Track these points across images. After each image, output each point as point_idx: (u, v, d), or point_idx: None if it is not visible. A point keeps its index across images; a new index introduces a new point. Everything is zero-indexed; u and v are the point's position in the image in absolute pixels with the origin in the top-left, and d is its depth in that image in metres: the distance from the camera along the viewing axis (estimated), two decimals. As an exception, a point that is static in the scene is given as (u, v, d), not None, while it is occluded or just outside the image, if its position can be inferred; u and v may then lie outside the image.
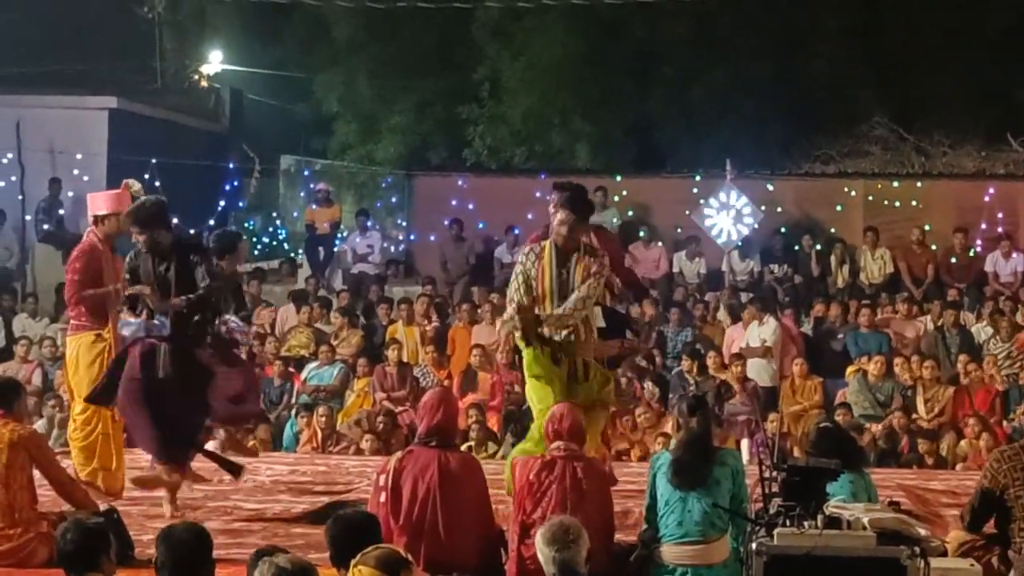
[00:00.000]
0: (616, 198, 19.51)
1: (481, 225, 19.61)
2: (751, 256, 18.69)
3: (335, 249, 20.03)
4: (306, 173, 22.85)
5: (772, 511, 6.43)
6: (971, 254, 18.46)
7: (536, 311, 9.05)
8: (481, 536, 7.66)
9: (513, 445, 11.10)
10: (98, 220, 10.05)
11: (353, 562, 5.48)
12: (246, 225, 21.21)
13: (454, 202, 19.89)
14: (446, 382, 14.85)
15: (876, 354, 15.13)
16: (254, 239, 21.70)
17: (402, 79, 22.61)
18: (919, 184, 19.72)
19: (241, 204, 22.15)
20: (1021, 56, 20.89)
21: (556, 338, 9.12)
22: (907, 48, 21.77)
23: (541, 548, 5.54)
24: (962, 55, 21.35)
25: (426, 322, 16.46)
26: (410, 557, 5.66)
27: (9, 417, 7.97)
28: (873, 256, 18.40)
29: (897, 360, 15.10)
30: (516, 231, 18.90)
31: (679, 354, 15.74)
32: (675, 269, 18.84)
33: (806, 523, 6.25)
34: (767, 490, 6.57)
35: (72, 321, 10.03)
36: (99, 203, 10.17)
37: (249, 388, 10.00)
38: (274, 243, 22.23)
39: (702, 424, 7.46)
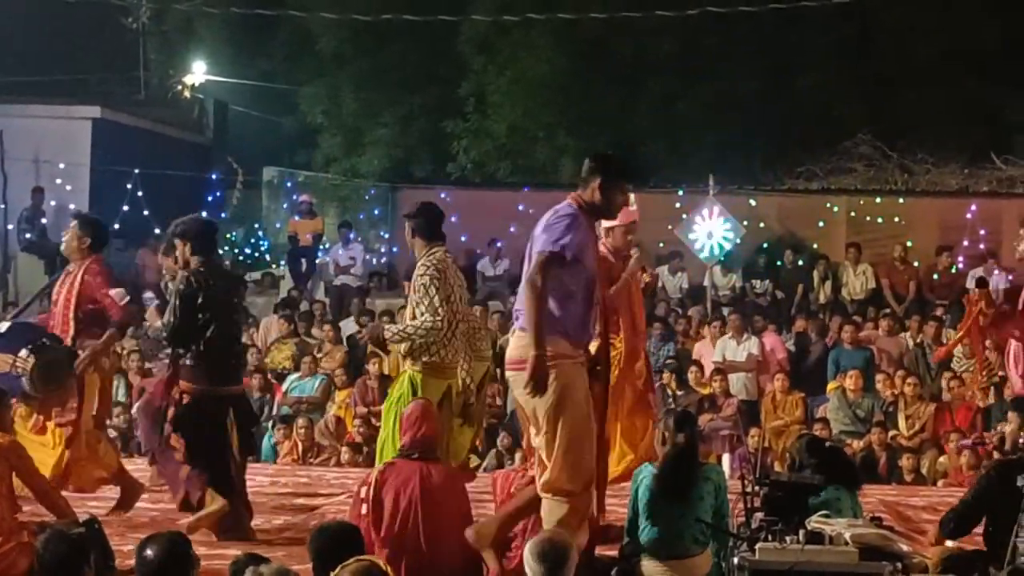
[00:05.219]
0: (599, 212, 19.49)
1: (463, 238, 19.58)
2: (733, 271, 18.71)
3: (317, 261, 20.00)
4: (289, 185, 22.82)
5: (754, 526, 6.43)
6: (953, 271, 18.51)
7: None
8: (463, 549, 7.62)
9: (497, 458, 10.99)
10: (607, 231, 9.14)
11: (333, 574, 5.46)
12: (228, 236, 21.17)
13: (437, 215, 19.82)
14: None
15: (857, 370, 15.11)
16: (236, 250, 21.66)
17: (387, 92, 22.64)
18: (902, 201, 19.80)
19: (223, 215, 22.12)
20: (1005, 75, 20.98)
21: None
22: (892, 66, 21.86)
23: (530, 563, 5.51)
24: (947, 74, 21.43)
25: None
26: (390, 570, 5.64)
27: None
28: (855, 272, 18.41)
29: (879, 376, 15.10)
30: (499, 244, 18.91)
31: (661, 368, 15.74)
32: (657, 284, 18.83)
33: (788, 538, 6.24)
34: (749, 505, 6.57)
35: None
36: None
37: None
38: (256, 254, 22.18)
39: (689, 440, 7.47)
